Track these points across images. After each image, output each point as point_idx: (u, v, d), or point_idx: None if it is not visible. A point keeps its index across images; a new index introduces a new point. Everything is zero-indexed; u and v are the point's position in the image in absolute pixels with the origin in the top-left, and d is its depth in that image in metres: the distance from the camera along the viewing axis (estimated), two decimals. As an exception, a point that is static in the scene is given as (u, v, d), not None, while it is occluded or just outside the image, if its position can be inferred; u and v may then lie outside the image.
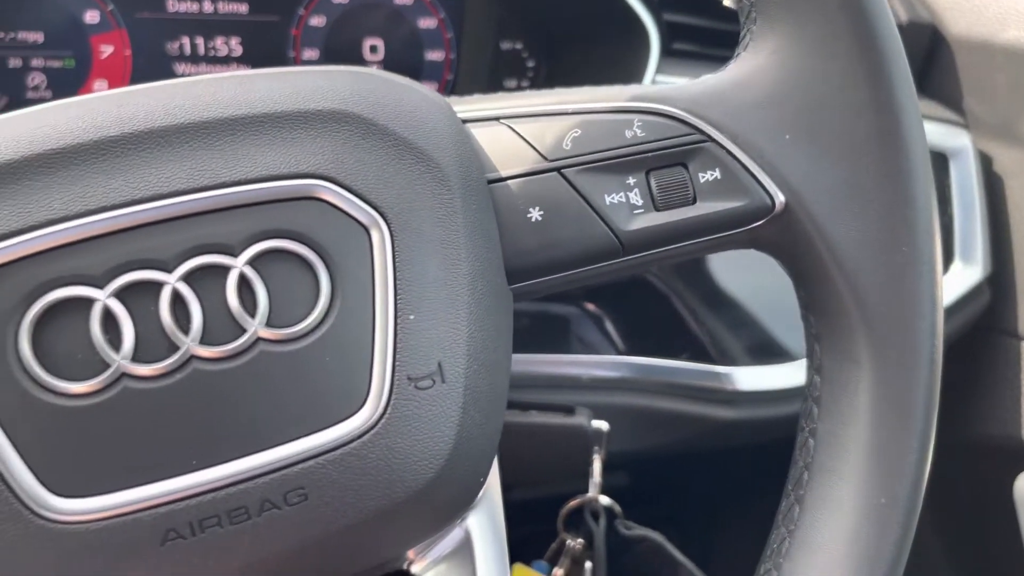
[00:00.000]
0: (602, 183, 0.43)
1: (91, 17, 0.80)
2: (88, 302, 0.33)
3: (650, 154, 0.44)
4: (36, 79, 0.81)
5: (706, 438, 0.79)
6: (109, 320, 0.33)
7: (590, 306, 0.79)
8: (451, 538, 0.45)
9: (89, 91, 0.82)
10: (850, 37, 0.43)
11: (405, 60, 0.90)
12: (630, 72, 0.81)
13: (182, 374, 0.34)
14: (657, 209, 0.43)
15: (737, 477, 0.91)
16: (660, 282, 0.79)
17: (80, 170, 0.34)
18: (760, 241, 0.46)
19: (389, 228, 0.37)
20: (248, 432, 0.34)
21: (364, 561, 0.38)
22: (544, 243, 0.42)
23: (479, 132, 0.43)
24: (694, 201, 0.44)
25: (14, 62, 0.80)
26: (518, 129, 0.45)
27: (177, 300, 0.34)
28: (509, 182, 0.43)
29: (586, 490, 0.76)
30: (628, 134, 0.44)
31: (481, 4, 0.89)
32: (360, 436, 0.35)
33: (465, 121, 0.43)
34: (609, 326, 0.79)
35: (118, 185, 0.34)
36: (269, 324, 0.35)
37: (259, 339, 0.35)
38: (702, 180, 0.44)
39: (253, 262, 0.35)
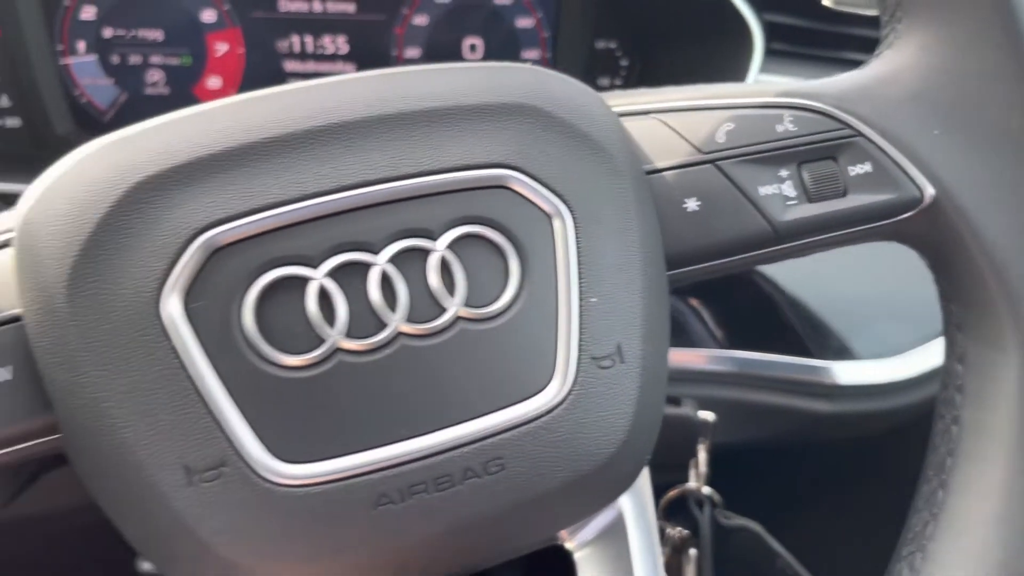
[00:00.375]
0: (756, 175, 0.45)
1: (208, 16, 0.83)
2: (304, 281, 0.35)
3: (801, 148, 0.45)
4: (155, 76, 0.84)
5: (803, 432, 0.80)
6: (323, 298, 0.36)
7: (693, 302, 0.80)
8: (603, 516, 0.47)
9: (203, 88, 0.86)
10: (1002, 33, 0.44)
11: (502, 59, 0.91)
12: (729, 71, 0.82)
13: (390, 349, 0.36)
14: (810, 200, 0.45)
15: (833, 470, 0.92)
16: (760, 277, 0.80)
17: (293, 158, 0.36)
18: (904, 233, 0.47)
19: (572, 215, 0.39)
20: (450, 404, 0.36)
21: (548, 530, 0.40)
22: (700, 232, 0.44)
23: (631, 125, 0.45)
24: (845, 194, 0.45)
25: (134, 59, 0.83)
26: (669, 123, 0.46)
27: (384, 280, 0.36)
28: (665, 173, 0.45)
29: (682, 481, 0.77)
30: (779, 128, 0.45)
31: (578, 4, 0.91)
32: (550, 411, 0.37)
33: (619, 115, 0.45)
34: (710, 320, 0.80)
35: (328, 172, 0.36)
36: (467, 304, 0.37)
37: (459, 318, 0.37)
38: (852, 174, 0.45)
39: (452, 246, 0.37)
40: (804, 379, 0.78)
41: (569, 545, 0.47)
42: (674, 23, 0.87)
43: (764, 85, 0.48)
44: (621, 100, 0.48)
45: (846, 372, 0.79)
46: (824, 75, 0.86)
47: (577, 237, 0.39)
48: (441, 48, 0.90)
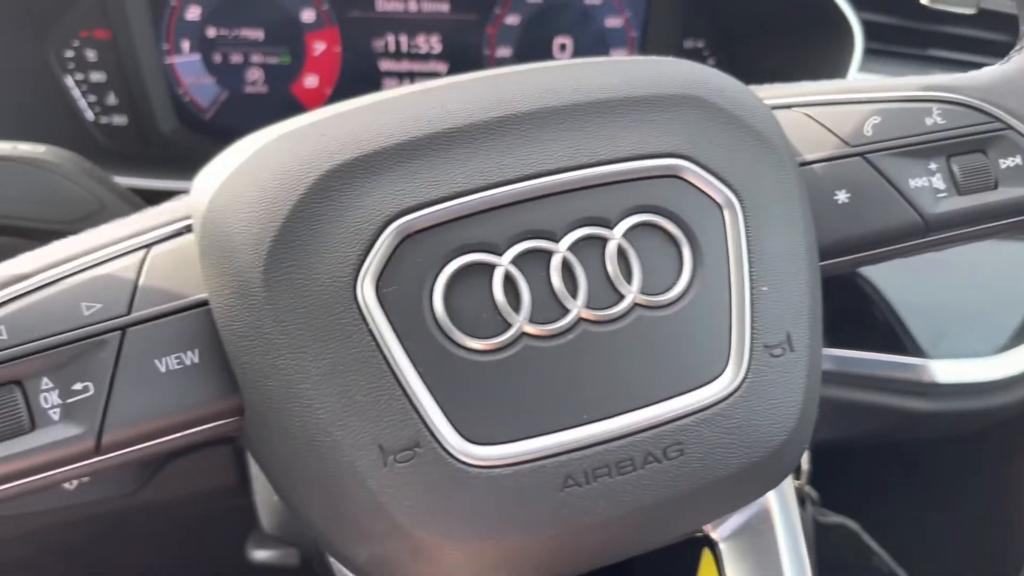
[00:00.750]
0: (906, 168, 0.45)
1: (307, 16, 0.85)
2: (490, 267, 0.36)
3: (951, 141, 0.46)
4: (254, 74, 0.86)
5: (901, 430, 0.80)
6: (508, 284, 0.36)
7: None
8: (748, 507, 0.47)
9: (301, 87, 0.87)
10: None
11: (592, 57, 0.93)
12: (824, 70, 0.82)
13: (572, 335, 0.37)
14: (960, 193, 0.45)
15: (930, 468, 0.91)
16: (857, 275, 0.80)
17: (475, 147, 0.37)
18: None
19: (741, 205, 0.39)
20: (630, 390, 0.37)
21: (717, 514, 0.40)
22: (851, 224, 0.45)
23: (779, 118, 0.46)
24: (996, 186, 0.45)
25: (236, 58, 0.85)
26: (815, 116, 0.47)
27: (565, 267, 0.37)
28: (814, 166, 0.45)
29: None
30: (928, 121, 0.46)
31: (667, 3, 0.91)
32: (726, 398, 0.38)
33: None
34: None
35: (509, 161, 0.37)
36: (643, 291, 0.38)
37: (636, 305, 0.38)
38: (1003, 166, 0.46)
39: (627, 234, 0.38)
40: (902, 377, 0.78)
41: (714, 535, 0.48)
42: (766, 22, 0.87)
43: (905, 79, 0.48)
44: (764, 93, 0.48)
45: (945, 370, 0.78)
46: (919, 73, 0.85)
47: (746, 226, 0.39)
48: (532, 47, 0.91)
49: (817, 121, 0.47)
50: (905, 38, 0.89)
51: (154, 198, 0.70)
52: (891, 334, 0.80)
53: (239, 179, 0.37)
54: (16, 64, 0.75)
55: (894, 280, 0.81)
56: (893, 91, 0.48)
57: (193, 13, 0.83)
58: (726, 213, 0.39)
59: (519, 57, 0.91)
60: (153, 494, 0.64)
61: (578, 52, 0.92)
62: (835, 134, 0.46)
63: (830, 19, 0.78)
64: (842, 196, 0.45)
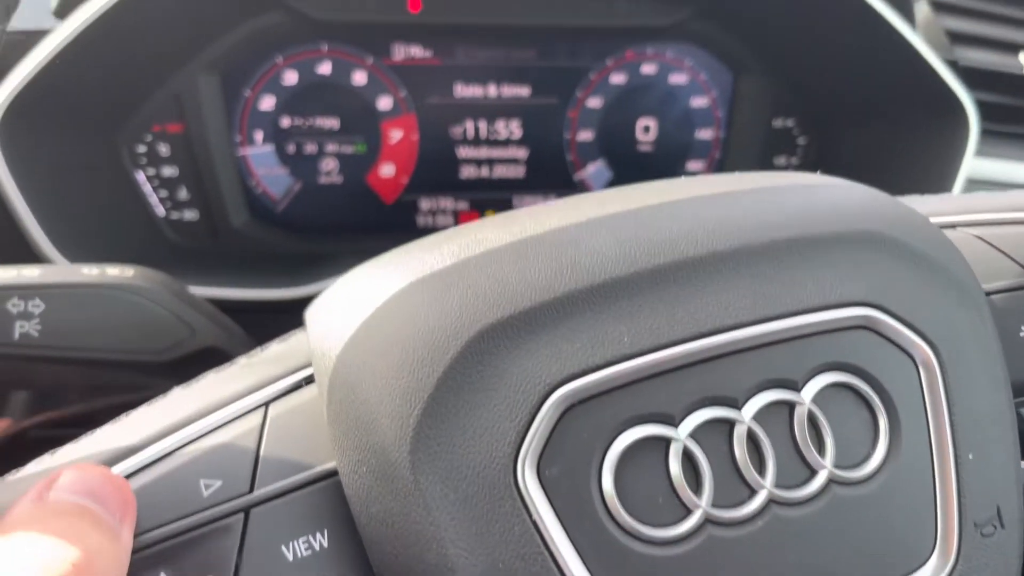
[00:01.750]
0: None
1: (384, 104, 0.82)
2: (665, 442, 0.31)
3: None
4: (329, 164, 0.83)
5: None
6: (686, 461, 0.31)
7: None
8: None
9: (376, 176, 0.84)
10: None
11: (676, 139, 0.89)
12: (931, 153, 0.77)
13: (763, 520, 0.31)
14: None
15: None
16: None
17: (642, 300, 0.32)
18: None
19: (938, 359, 0.34)
20: None
21: None
22: None
23: None
24: None
25: (310, 148, 0.82)
26: (986, 238, 0.42)
27: (750, 439, 0.32)
28: (994, 297, 0.40)
29: None
30: None
31: (754, 83, 0.87)
32: None
33: None
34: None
35: (681, 316, 0.32)
36: (837, 465, 0.32)
37: (830, 481, 0.32)
38: None
39: (817, 398, 0.33)
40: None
41: None
42: (863, 101, 0.82)
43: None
44: (923, 209, 0.43)
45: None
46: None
47: (945, 384, 0.34)
48: (614, 130, 0.87)
49: (992, 245, 0.42)
50: (1018, 117, 0.84)
51: (234, 309, 0.66)
52: None
53: (373, 335, 0.33)
54: (87, 159, 0.73)
55: None
56: None
57: (267, 103, 0.80)
58: (922, 369, 0.34)
59: (601, 140, 0.87)
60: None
61: (662, 133, 0.88)
62: (1015, 260, 0.41)
63: (938, 100, 0.74)
64: None
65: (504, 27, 0.81)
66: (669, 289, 0.33)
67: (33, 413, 0.63)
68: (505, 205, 0.88)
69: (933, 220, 0.42)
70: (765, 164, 0.90)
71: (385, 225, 0.86)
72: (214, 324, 0.51)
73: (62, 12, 0.63)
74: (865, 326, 0.34)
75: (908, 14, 0.73)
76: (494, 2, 0.79)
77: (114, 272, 0.49)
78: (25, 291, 0.46)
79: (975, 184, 0.76)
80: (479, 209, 0.88)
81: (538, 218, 0.36)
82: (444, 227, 0.87)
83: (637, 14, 0.82)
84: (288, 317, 0.69)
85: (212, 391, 0.35)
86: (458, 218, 0.88)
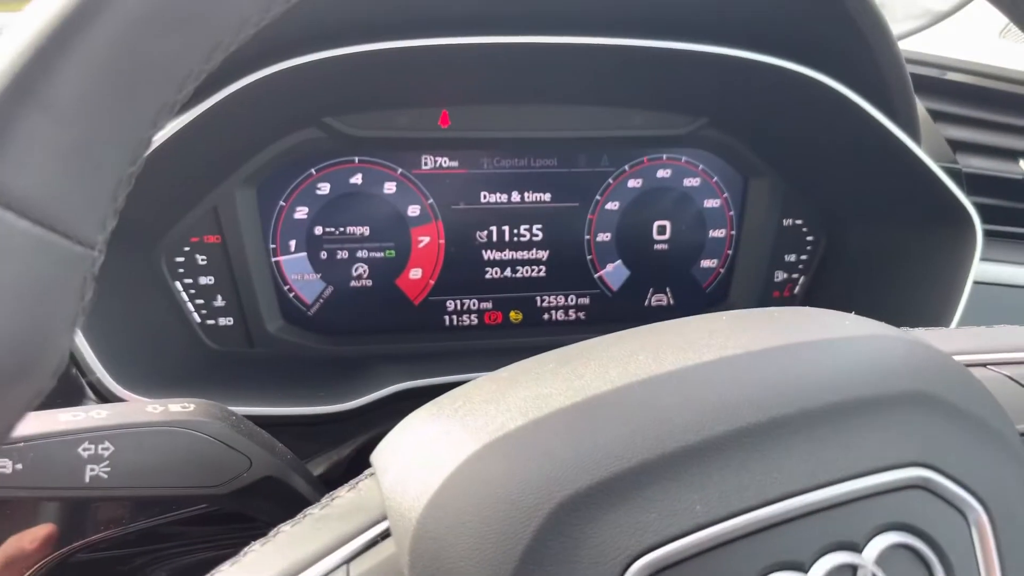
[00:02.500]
0: None
1: (413, 211, 0.85)
2: None
3: None
4: (359, 269, 0.85)
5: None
6: None
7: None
8: None
9: (406, 279, 0.87)
10: None
11: (690, 238, 0.92)
12: (938, 256, 0.80)
13: None
14: None
15: None
16: None
17: (710, 468, 0.35)
18: None
19: (989, 516, 0.37)
20: None
21: None
22: None
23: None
24: None
25: (341, 254, 0.85)
26: (1017, 378, 0.45)
27: None
28: None
29: None
30: None
31: (765, 184, 0.91)
32: None
33: None
34: None
35: (748, 483, 0.35)
36: (899, 626, 0.34)
37: None
38: None
39: (879, 559, 0.35)
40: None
41: None
42: (870, 205, 0.86)
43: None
44: (951, 346, 0.46)
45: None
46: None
47: (997, 541, 0.36)
48: (631, 231, 0.91)
49: (1022, 385, 0.44)
50: (1016, 219, 0.88)
51: (277, 427, 0.68)
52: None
53: (452, 503, 0.35)
54: (126, 270, 0.75)
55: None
56: None
57: (301, 213, 0.83)
58: (974, 528, 0.36)
59: (618, 241, 0.91)
60: None
61: (675, 233, 0.92)
62: None
63: (943, 206, 0.77)
64: None
65: (527, 140, 0.85)
66: (735, 456, 0.35)
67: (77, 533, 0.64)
68: (528, 304, 0.91)
69: (965, 359, 0.45)
70: (776, 261, 0.94)
71: (413, 325, 0.88)
72: (270, 454, 0.53)
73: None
74: (920, 486, 0.36)
75: (913, 126, 0.77)
76: (518, 118, 0.83)
77: (176, 408, 0.51)
78: (95, 435, 0.47)
79: (981, 287, 0.79)
80: (503, 309, 0.90)
81: (596, 369, 0.39)
82: (469, 327, 0.90)
83: (653, 125, 0.86)
84: (328, 430, 0.71)
85: (292, 551, 0.37)
86: (483, 318, 0.90)
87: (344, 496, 0.40)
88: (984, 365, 0.46)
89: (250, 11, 0.29)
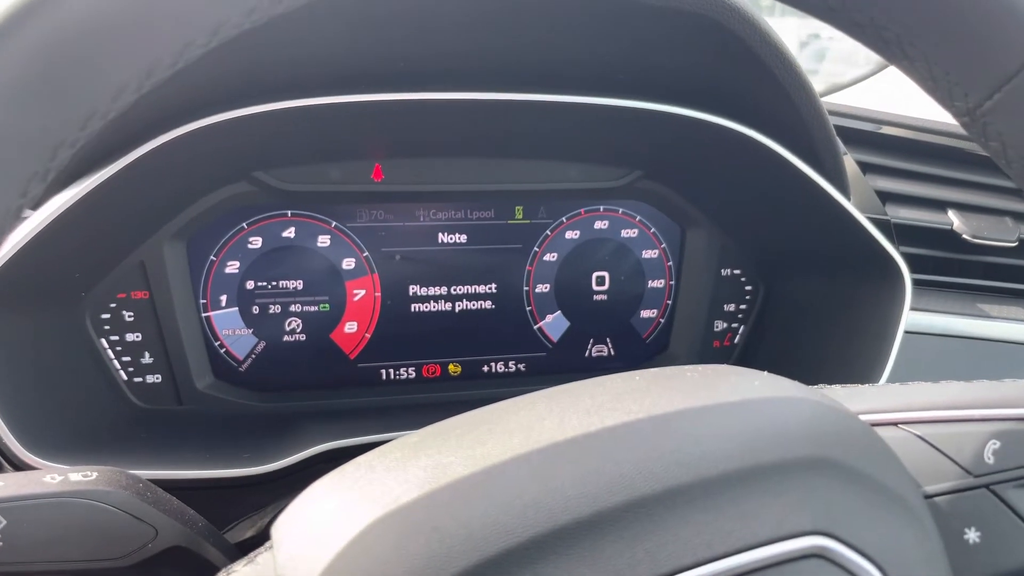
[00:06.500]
0: None
1: (347, 264, 0.84)
2: None
3: None
4: (293, 323, 0.84)
5: None
6: None
7: None
8: None
9: (341, 333, 0.85)
10: None
11: (629, 289, 0.92)
12: (870, 304, 0.81)
13: None
14: None
15: None
16: None
17: (602, 541, 0.34)
18: None
19: None
20: None
21: None
22: (986, 567, 0.41)
23: (886, 437, 0.43)
24: None
25: (274, 309, 0.83)
26: (926, 437, 0.44)
27: None
28: (938, 499, 0.42)
29: None
30: None
31: (702, 235, 0.91)
32: None
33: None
34: None
35: (641, 557, 0.34)
36: None
37: None
38: None
39: None
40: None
41: None
42: (804, 256, 0.87)
43: (1012, 387, 0.46)
44: (862, 405, 0.46)
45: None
46: (965, 307, 0.83)
47: None
48: (569, 281, 0.90)
49: (933, 445, 0.44)
50: (946, 268, 0.90)
51: (202, 490, 0.66)
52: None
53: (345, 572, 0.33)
54: (50, 327, 0.73)
55: None
56: (1005, 407, 0.45)
57: (232, 267, 0.81)
58: None
59: (558, 292, 0.90)
60: None
61: (614, 283, 0.92)
62: (954, 461, 0.43)
63: (873, 257, 0.78)
64: (972, 535, 0.41)
65: (463, 192, 0.85)
66: (629, 528, 0.34)
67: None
68: (468, 355, 0.90)
69: (874, 418, 0.45)
70: (714, 310, 0.94)
71: (349, 380, 0.87)
72: (178, 522, 0.51)
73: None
74: (819, 555, 0.36)
75: (839, 177, 0.78)
76: (453, 171, 0.83)
77: (76, 478, 0.49)
78: (-14, 507, 0.45)
79: (915, 336, 0.80)
80: (441, 362, 0.89)
81: (500, 436, 0.38)
82: (407, 380, 0.89)
83: (589, 177, 0.87)
84: (257, 491, 0.69)
85: None
86: (421, 371, 0.89)
87: (240, 571, 0.39)
88: (895, 424, 0.46)
89: (127, 79, 0.28)
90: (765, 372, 0.45)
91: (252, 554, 0.40)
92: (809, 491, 0.37)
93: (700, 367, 0.45)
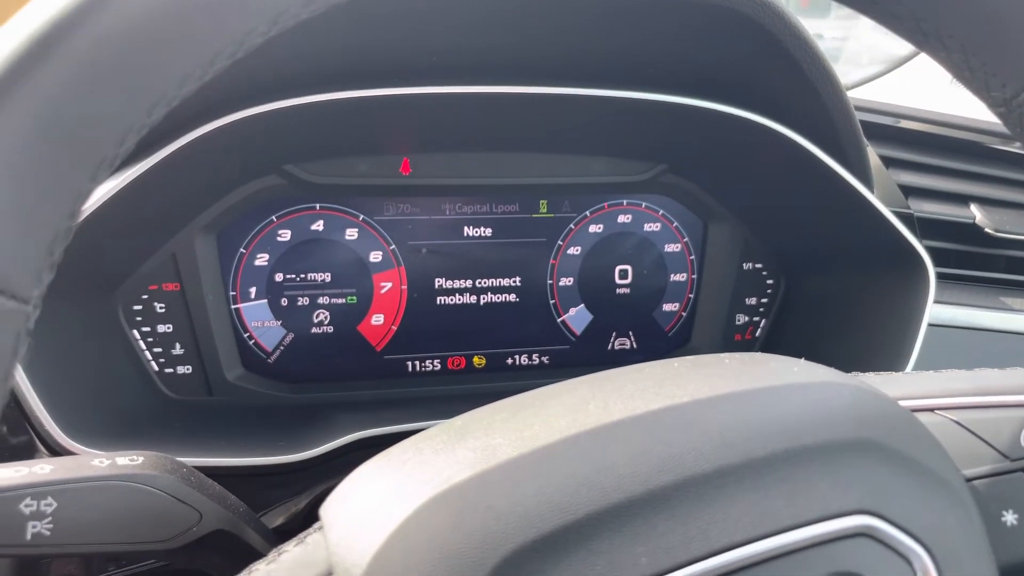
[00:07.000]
0: None
1: (375, 257, 0.85)
2: None
3: None
4: (321, 315, 0.85)
5: None
6: None
7: None
8: None
9: (368, 325, 0.86)
10: None
11: (652, 282, 0.93)
12: (894, 298, 0.81)
13: None
14: None
15: None
16: None
17: (655, 519, 0.34)
18: None
19: (934, 562, 0.37)
20: None
21: None
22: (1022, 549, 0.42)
23: (925, 423, 0.43)
24: None
25: (302, 301, 0.84)
26: (963, 422, 0.45)
27: None
28: (976, 483, 0.43)
29: None
30: None
31: (724, 230, 0.92)
32: None
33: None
34: None
35: (694, 534, 0.34)
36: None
37: None
38: None
39: None
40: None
41: None
42: (827, 250, 0.87)
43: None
44: (900, 391, 0.47)
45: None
46: (988, 300, 0.83)
47: None
48: (593, 274, 0.91)
49: (969, 430, 0.45)
50: (968, 262, 0.90)
51: (235, 477, 0.67)
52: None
53: (396, 558, 0.34)
54: (83, 318, 0.74)
55: None
56: None
57: (261, 259, 0.82)
58: (918, 572, 0.37)
59: (581, 285, 0.91)
60: None
61: (637, 277, 0.92)
62: (992, 446, 0.44)
63: (897, 251, 0.79)
64: (1010, 518, 0.42)
65: (489, 187, 0.85)
66: (681, 506, 0.35)
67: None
68: (492, 348, 0.91)
69: (911, 403, 0.45)
70: (736, 304, 0.94)
71: (375, 372, 0.88)
72: (221, 506, 0.52)
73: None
74: (865, 534, 0.36)
75: (864, 171, 0.79)
76: (480, 165, 0.84)
77: (123, 462, 0.50)
78: (37, 491, 0.46)
79: (938, 329, 0.80)
80: (466, 354, 0.90)
81: (546, 419, 0.39)
82: (432, 372, 0.90)
83: (613, 171, 0.87)
84: (288, 479, 0.70)
85: None
86: (446, 363, 0.90)
87: (291, 551, 0.39)
88: (932, 410, 0.46)
89: (193, 67, 0.29)
90: (802, 359, 0.46)
91: (302, 535, 0.40)
92: (855, 472, 0.37)
93: (737, 354, 0.46)
